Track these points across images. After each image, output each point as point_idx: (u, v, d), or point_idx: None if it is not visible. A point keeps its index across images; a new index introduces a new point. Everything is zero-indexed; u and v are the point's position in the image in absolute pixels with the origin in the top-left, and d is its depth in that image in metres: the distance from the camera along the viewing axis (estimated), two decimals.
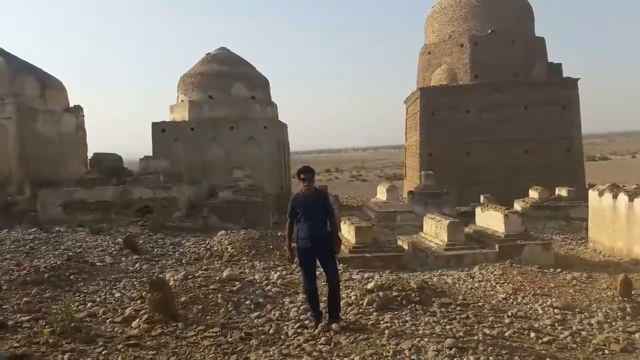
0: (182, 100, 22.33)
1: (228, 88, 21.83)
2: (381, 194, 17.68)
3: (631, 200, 9.99)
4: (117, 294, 7.41)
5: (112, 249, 10.79)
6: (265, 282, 7.90)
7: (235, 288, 7.29)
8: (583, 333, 5.96)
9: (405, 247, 11.06)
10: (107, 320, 6.18)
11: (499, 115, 21.78)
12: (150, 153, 20.47)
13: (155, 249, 11.27)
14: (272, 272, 8.65)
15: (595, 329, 6.10)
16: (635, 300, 7.12)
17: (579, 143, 22.39)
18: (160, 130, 21.27)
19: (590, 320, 6.38)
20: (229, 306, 6.67)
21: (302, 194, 6.00)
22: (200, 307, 6.57)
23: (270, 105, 23.10)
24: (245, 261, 9.85)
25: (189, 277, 7.77)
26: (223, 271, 8.37)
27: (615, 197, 10.59)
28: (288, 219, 6.09)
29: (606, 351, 5.48)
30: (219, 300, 6.80)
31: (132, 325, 5.96)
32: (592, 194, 11.62)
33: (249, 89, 22.25)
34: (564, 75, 23.15)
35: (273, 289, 7.51)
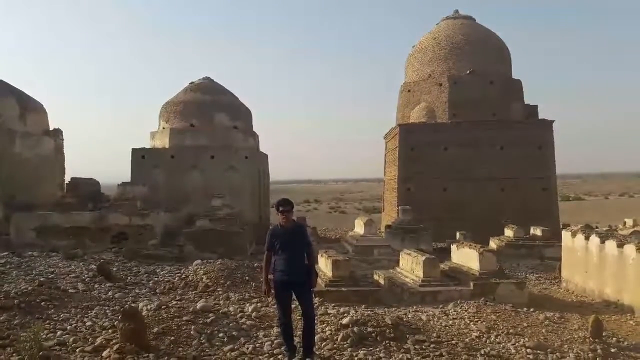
0: (164, 128, 22.32)
1: (210, 117, 21.93)
2: (359, 227, 17.75)
3: (602, 242, 10.26)
4: (89, 323, 7.23)
5: (85, 275, 10.56)
6: (240, 314, 7.82)
7: (209, 320, 7.19)
8: None
9: (382, 282, 11.09)
10: (77, 350, 6.02)
11: (476, 154, 22.27)
12: (128, 179, 20.28)
13: (129, 277, 11.07)
14: (247, 305, 8.57)
15: None
16: (605, 342, 7.25)
17: (554, 183, 22.97)
18: (139, 156, 21.14)
19: None
20: (201, 338, 6.57)
21: (281, 226, 6.03)
22: (172, 338, 6.45)
23: (251, 135, 23.24)
24: (220, 292, 9.74)
25: (162, 307, 7.65)
26: (197, 302, 8.26)
27: (587, 238, 10.85)
28: (266, 252, 6.10)
29: None
30: (191, 332, 6.69)
31: (103, 355, 5.81)
32: (565, 235, 11.88)
33: (231, 119, 22.38)
34: (540, 116, 23.90)
35: (247, 322, 7.43)
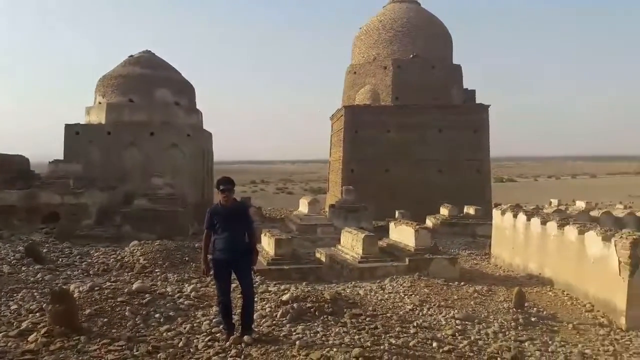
0: (100, 103, 21.33)
1: (151, 92, 21.14)
2: (303, 206, 17.89)
3: (529, 219, 10.88)
4: (14, 306, 6.93)
5: (12, 257, 10.06)
6: (178, 294, 7.76)
7: (144, 301, 7.09)
8: (480, 342, 6.42)
9: (323, 259, 11.28)
10: (0, 334, 5.76)
11: (417, 136, 22.85)
12: (62, 156, 19.30)
13: (61, 259, 10.65)
14: (186, 285, 8.51)
15: (491, 339, 6.60)
16: (527, 312, 7.79)
17: (488, 165, 23.98)
18: (73, 132, 20.13)
19: (487, 330, 6.89)
20: (137, 319, 6.48)
21: (221, 205, 5.99)
22: (105, 320, 6.32)
23: (195, 112, 22.65)
24: (158, 273, 9.58)
25: (96, 288, 7.45)
26: (133, 283, 8.09)
27: (515, 216, 11.47)
28: (205, 231, 6.04)
29: (499, 359, 5.94)
30: (126, 313, 6.57)
31: (29, 339, 5.61)
32: (496, 213, 12.51)
33: (173, 95, 21.68)
34: (477, 101, 24.77)
35: (185, 302, 7.40)
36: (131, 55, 22.67)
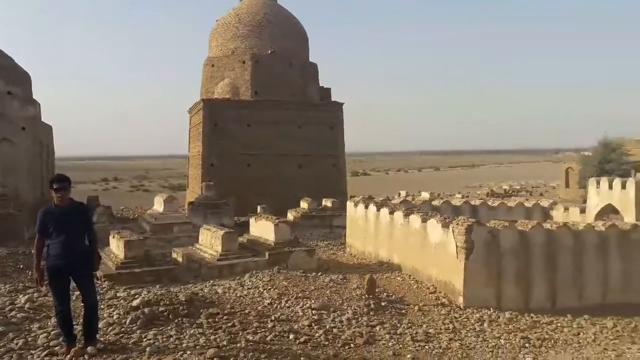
0: None
1: None
2: (158, 204, 17.00)
3: (378, 210, 11.65)
4: None
5: None
6: (10, 307, 6.94)
7: None
8: (335, 330, 6.70)
9: (180, 259, 10.87)
10: None
11: (276, 132, 23.17)
12: None
13: None
14: (20, 295, 7.64)
15: (345, 326, 6.93)
16: (378, 297, 8.32)
17: (343, 160, 25.26)
18: None
19: (341, 317, 7.22)
20: None
21: (56, 206, 5.42)
22: None
23: (31, 103, 20.18)
24: None
25: None
26: None
27: (366, 207, 12.21)
28: (37, 235, 5.42)
29: (352, 345, 6.27)
30: None
31: None
32: (349, 205, 13.20)
33: (5, 83, 19.04)
34: (333, 99, 25.88)
35: (19, 315, 6.62)
36: None
